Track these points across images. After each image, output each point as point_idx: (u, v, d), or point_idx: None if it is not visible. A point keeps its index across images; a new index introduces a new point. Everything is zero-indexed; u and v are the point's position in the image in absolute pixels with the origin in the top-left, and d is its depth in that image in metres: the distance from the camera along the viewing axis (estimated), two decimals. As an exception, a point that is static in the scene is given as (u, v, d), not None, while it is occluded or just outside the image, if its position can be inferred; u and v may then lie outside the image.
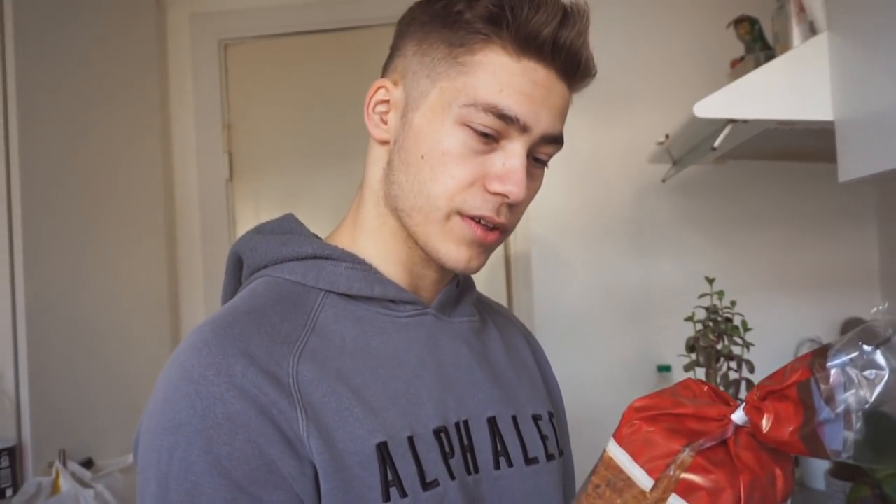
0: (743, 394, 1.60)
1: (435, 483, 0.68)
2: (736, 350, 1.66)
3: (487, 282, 2.14)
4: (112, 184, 2.00)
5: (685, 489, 0.53)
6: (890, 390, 0.48)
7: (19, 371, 1.64)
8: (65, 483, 1.63)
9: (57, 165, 1.79)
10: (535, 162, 0.74)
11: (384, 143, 0.76)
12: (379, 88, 0.76)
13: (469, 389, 0.77)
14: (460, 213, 0.72)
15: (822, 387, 0.50)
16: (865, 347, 0.49)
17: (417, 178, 0.72)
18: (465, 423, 0.75)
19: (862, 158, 1.03)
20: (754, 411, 0.54)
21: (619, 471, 0.56)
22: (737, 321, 1.67)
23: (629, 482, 0.56)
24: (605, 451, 0.58)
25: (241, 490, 0.61)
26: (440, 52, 0.72)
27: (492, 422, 0.77)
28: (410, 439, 0.68)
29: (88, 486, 1.67)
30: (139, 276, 2.11)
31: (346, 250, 0.77)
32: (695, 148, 1.57)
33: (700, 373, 1.69)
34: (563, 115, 0.74)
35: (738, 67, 1.55)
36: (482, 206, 0.71)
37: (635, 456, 0.56)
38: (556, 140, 0.74)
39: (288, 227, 0.81)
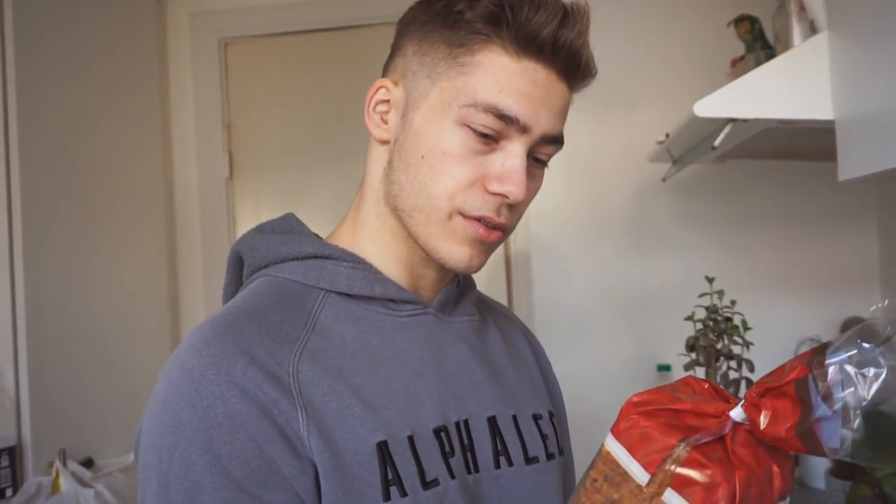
0: (743, 393, 1.60)
1: (435, 482, 0.68)
2: (736, 349, 1.66)
3: (488, 281, 2.14)
4: (112, 182, 2.00)
5: (680, 483, 0.53)
6: (888, 388, 0.48)
7: (19, 370, 1.64)
8: (65, 483, 1.63)
9: (57, 164, 1.79)
10: (535, 162, 0.74)
11: (384, 142, 0.76)
12: (379, 88, 0.76)
13: (469, 389, 0.77)
14: (461, 214, 0.72)
15: (820, 384, 0.50)
16: (864, 345, 0.49)
17: (417, 179, 0.72)
18: (466, 422, 0.75)
19: (862, 157, 1.03)
20: (752, 408, 0.54)
21: (616, 465, 0.57)
22: (737, 320, 1.68)
23: (626, 476, 0.56)
24: (602, 445, 0.58)
25: (242, 489, 0.61)
26: (440, 52, 0.72)
27: (492, 421, 0.77)
28: (411, 438, 0.69)
29: (88, 486, 1.67)
30: (139, 275, 2.11)
31: (346, 250, 0.77)
32: (695, 147, 1.58)
33: (700, 372, 1.69)
34: (563, 116, 0.74)
35: (739, 66, 1.55)
36: (482, 206, 0.71)
37: (632, 450, 0.56)
38: (556, 140, 0.74)
39: (288, 226, 0.81)
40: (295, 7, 2.29)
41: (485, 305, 0.91)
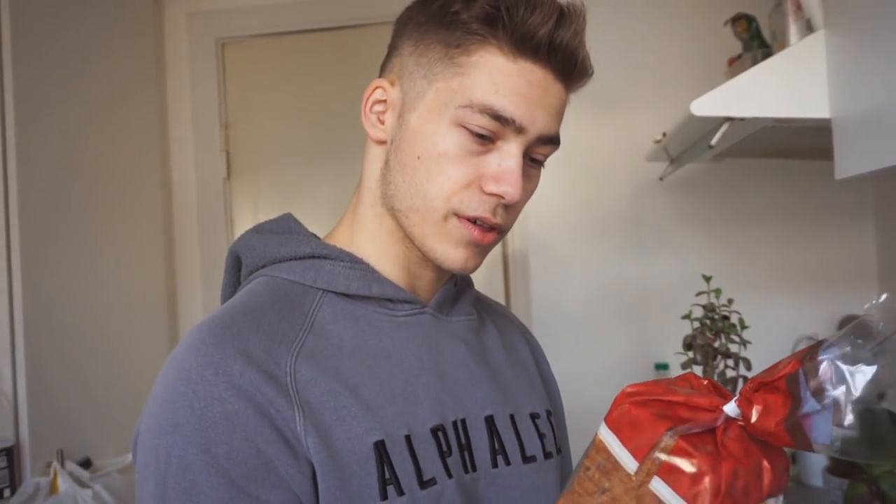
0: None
1: (432, 481, 0.69)
2: (733, 348, 1.67)
3: (485, 280, 2.15)
4: (110, 182, 2.00)
5: (667, 472, 0.53)
6: (879, 385, 0.48)
7: (17, 370, 1.64)
8: (63, 483, 1.63)
9: (54, 165, 1.79)
10: (532, 162, 0.74)
11: (381, 142, 0.77)
12: (376, 88, 0.76)
13: (467, 388, 0.77)
14: (457, 215, 0.72)
15: (810, 380, 0.50)
16: (857, 342, 0.49)
17: (414, 179, 0.72)
18: (463, 421, 0.75)
19: (858, 156, 1.03)
20: (745, 403, 0.54)
21: (607, 454, 0.57)
22: (734, 319, 1.68)
23: (616, 465, 0.56)
24: (596, 434, 0.59)
25: (239, 489, 0.61)
26: (436, 53, 0.72)
27: (489, 420, 0.77)
28: (408, 438, 0.69)
29: (86, 486, 1.67)
30: (137, 275, 2.11)
31: (343, 250, 0.77)
32: (692, 146, 1.58)
33: (697, 370, 1.69)
34: (559, 116, 0.74)
35: (736, 65, 1.55)
36: (478, 206, 0.71)
37: (622, 439, 0.56)
38: (552, 141, 0.74)
39: (286, 226, 0.81)
40: (292, 7, 2.28)
41: (483, 305, 0.91)
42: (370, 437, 0.66)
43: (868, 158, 1.00)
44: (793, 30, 1.21)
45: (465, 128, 0.70)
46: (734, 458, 0.53)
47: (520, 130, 0.70)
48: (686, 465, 0.53)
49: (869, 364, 0.48)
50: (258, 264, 0.78)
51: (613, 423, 0.57)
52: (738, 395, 0.55)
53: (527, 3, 0.68)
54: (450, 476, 0.70)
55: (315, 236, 0.81)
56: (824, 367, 0.50)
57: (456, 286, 0.84)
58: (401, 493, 0.66)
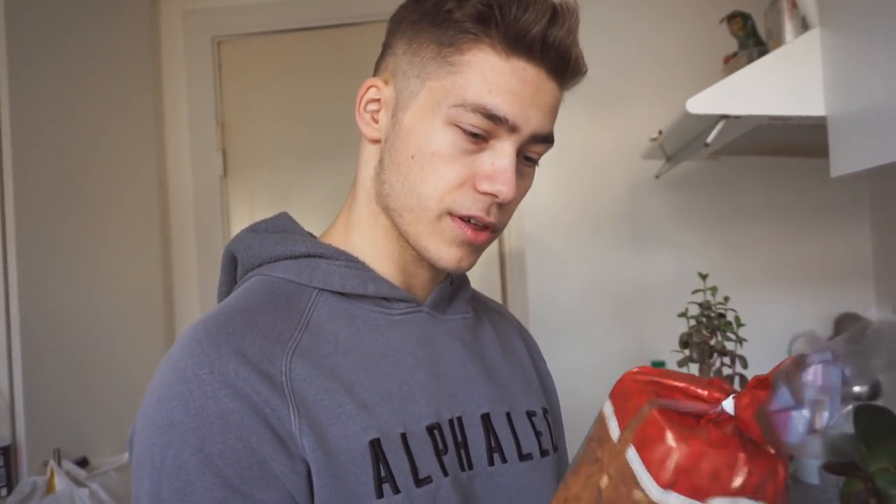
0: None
1: (428, 479, 0.69)
2: (729, 346, 1.67)
3: (482, 278, 2.15)
4: (106, 181, 2.00)
5: (640, 442, 0.54)
6: (853, 393, 0.48)
7: (13, 369, 1.64)
8: (60, 482, 1.63)
9: (50, 163, 1.78)
10: (526, 160, 0.75)
11: (375, 141, 0.77)
12: (370, 87, 0.76)
13: (463, 386, 0.77)
14: (451, 214, 0.72)
15: (792, 376, 0.51)
16: (852, 347, 0.49)
17: (407, 179, 0.72)
18: (459, 419, 0.75)
19: (854, 153, 1.03)
20: (739, 397, 0.55)
21: (604, 425, 0.58)
22: (730, 317, 1.68)
23: (608, 435, 0.57)
24: (601, 409, 0.60)
25: (233, 488, 0.61)
26: (430, 52, 0.72)
27: (485, 418, 0.77)
28: (403, 436, 0.69)
29: (83, 485, 1.67)
30: (133, 274, 2.11)
31: (339, 248, 0.77)
32: (688, 144, 1.58)
33: (693, 368, 1.69)
34: (553, 114, 0.74)
35: (732, 63, 1.55)
36: (472, 205, 0.71)
37: (616, 410, 0.57)
38: (545, 139, 0.74)
39: (282, 225, 0.81)
40: (289, 5, 2.28)
41: (479, 303, 0.91)
42: (366, 435, 0.66)
43: (863, 156, 1.00)
44: (788, 27, 1.21)
45: (458, 127, 0.70)
46: (707, 442, 0.53)
47: (513, 129, 0.70)
48: (656, 436, 0.53)
49: (852, 368, 0.49)
50: (254, 263, 0.78)
51: (612, 395, 0.59)
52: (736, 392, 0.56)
53: (519, 1, 0.68)
54: (445, 474, 0.70)
55: (311, 235, 0.81)
56: (806, 366, 0.50)
57: (452, 284, 0.84)
58: (396, 491, 0.66)
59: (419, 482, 0.68)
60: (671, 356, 1.77)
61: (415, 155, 0.72)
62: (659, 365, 1.93)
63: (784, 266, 2.04)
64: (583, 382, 1.97)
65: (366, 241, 0.78)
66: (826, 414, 0.48)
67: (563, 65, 0.72)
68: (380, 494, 0.65)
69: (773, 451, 0.53)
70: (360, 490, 0.65)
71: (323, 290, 0.74)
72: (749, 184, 2.05)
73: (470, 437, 0.75)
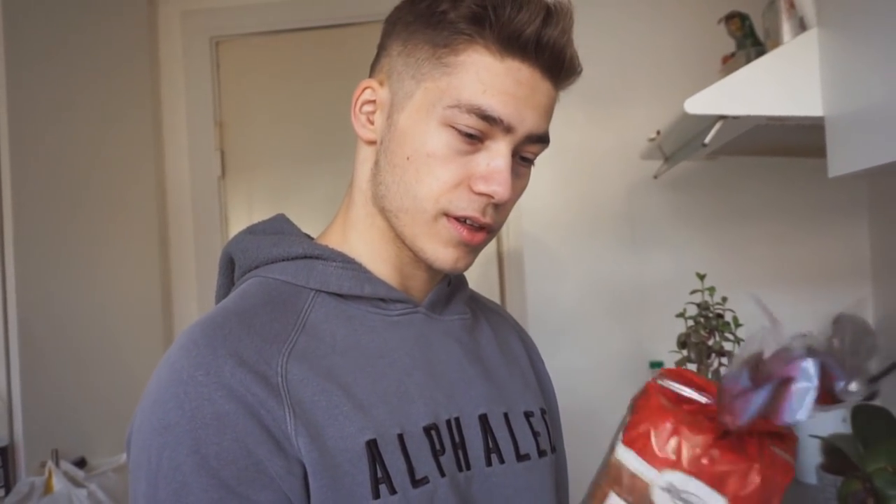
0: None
1: (425, 480, 0.69)
2: (727, 346, 1.67)
3: (480, 278, 2.15)
4: (104, 181, 2.00)
5: (633, 407, 0.61)
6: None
7: (11, 370, 1.64)
8: (58, 483, 1.63)
9: (48, 163, 1.78)
10: (521, 160, 0.75)
11: (371, 143, 0.77)
12: (365, 88, 0.76)
13: (460, 387, 0.77)
14: (447, 215, 0.72)
15: (760, 364, 0.57)
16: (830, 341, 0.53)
17: (403, 180, 0.72)
18: (457, 420, 0.75)
19: (852, 154, 1.03)
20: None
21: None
22: (728, 317, 1.68)
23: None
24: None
25: (229, 490, 0.61)
26: (424, 53, 0.72)
27: (483, 419, 0.77)
28: (400, 437, 0.69)
29: (81, 486, 1.67)
30: (131, 274, 2.11)
31: (336, 250, 0.77)
32: (686, 144, 1.58)
33: (691, 369, 1.69)
34: (548, 114, 0.74)
35: (729, 63, 1.55)
36: (468, 206, 0.71)
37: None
38: (541, 139, 0.74)
39: (279, 227, 0.81)
40: (286, 5, 2.28)
41: (477, 304, 0.91)
42: (362, 436, 0.66)
43: (861, 156, 1.00)
44: (786, 28, 1.21)
45: (453, 128, 0.70)
46: (680, 420, 0.57)
47: (508, 129, 0.70)
48: (643, 404, 0.60)
49: (813, 359, 0.52)
50: (251, 265, 0.78)
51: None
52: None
53: (513, 2, 0.68)
54: (443, 475, 0.70)
55: (307, 236, 0.81)
56: (770, 355, 0.57)
57: (450, 285, 0.84)
58: (393, 491, 0.66)
59: (416, 483, 0.68)
60: (669, 356, 1.78)
61: (410, 156, 0.72)
62: (657, 365, 1.93)
63: (782, 266, 2.03)
64: (581, 382, 1.97)
65: (363, 242, 0.78)
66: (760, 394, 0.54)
67: (557, 65, 0.72)
68: (376, 495, 0.65)
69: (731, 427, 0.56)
70: (356, 491, 0.65)
71: (320, 292, 0.74)
72: (747, 184, 2.05)
73: (467, 438, 0.75)
